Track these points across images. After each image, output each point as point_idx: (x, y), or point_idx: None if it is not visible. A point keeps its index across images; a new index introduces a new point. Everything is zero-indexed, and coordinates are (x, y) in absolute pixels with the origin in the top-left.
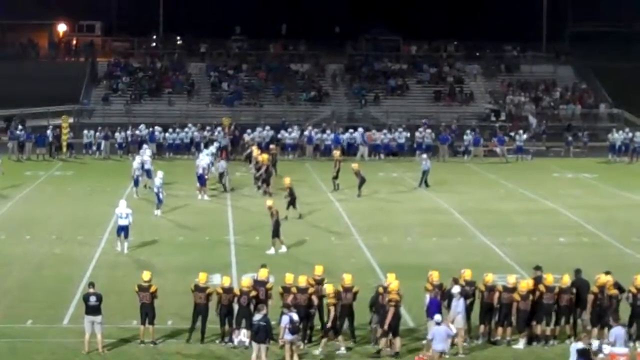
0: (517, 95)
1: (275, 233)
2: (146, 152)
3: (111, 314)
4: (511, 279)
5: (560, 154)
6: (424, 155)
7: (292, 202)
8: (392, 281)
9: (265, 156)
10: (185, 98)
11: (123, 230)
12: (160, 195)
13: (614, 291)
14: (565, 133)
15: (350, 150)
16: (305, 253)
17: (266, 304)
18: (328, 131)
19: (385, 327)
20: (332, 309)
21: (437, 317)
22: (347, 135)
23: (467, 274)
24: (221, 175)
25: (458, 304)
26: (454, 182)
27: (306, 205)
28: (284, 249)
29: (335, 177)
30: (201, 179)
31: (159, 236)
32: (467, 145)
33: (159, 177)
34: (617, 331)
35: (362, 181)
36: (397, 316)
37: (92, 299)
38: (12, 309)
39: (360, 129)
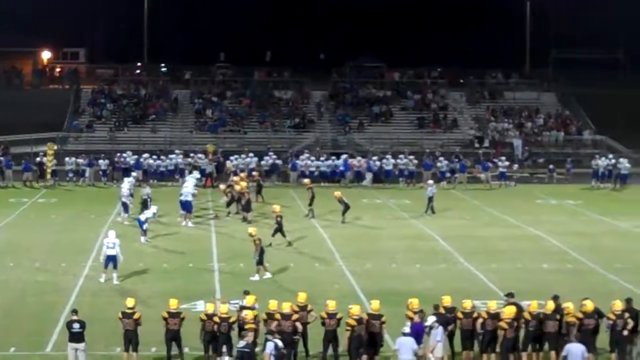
0: (500, 122)
1: (260, 261)
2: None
3: (95, 341)
4: (492, 305)
5: (544, 181)
6: (430, 181)
7: (279, 230)
8: (354, 306)
9: (244, 184)
10: (169, 125)
11: (111, 261)
12: (144, 226)
13: (572, 318)
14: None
15: (334, 176)
16: (289, 279)
17: (256, 330)
18: (312, 158)
19: (340, 349)
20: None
21: (405, 328)
22: (329, 162)
23: (446, 300)
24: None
25: (437, 333)
26: (438, 208)
27: (290, 231)
28: (268, 275)
29: (310, 204)
30: (185, 206)
31: (143, 263)
32: (445, 171)
33: (152, 211)
34: (573, 347)
35: (346, 208)
36: (357, 339)
37: (76, 326)
38: None
39: (344, 156)
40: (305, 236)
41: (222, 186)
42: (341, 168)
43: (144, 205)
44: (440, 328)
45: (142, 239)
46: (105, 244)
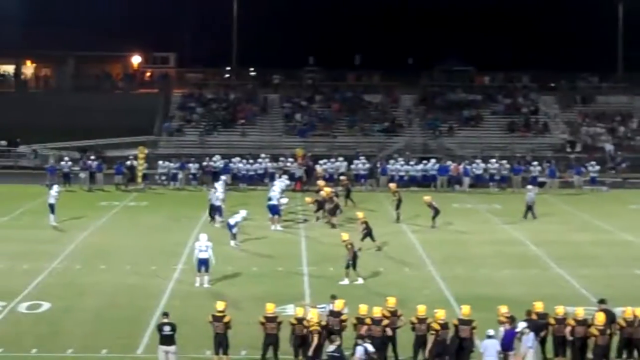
0: (592, 126)
1: (351, 265)
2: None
3: (185, 343)
4: (579, 312)
5: (638, 186)
6: (530, 187)
7: (368, 235)
8: (439, 311)
9: (328, 190)
10: (259, 129)
11: (203, 264)
12: (234, 230)
13: None
14: None
15: (425, 181)
16: (379, 284)
17: (340, 335)
18: (402, 162)
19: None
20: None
21: (490, 331)
22: (419, 166)
23: (538, 306)
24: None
25: (528, 339)
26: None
27: (380, 236)
28: (360, 280)
29: (397, 209)
30: (274, 210)
31: (233, 266)
32: (536, 176)
33: (241, 215)
34: None
35: (436, 212)
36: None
37: (166, 329)
38: (88, 339)
39: (433, 160)
40: (394, 241)
41: (307, 199)
42: (432, 172)
43: (213, 209)
44: (532, 334)
45: (232, 242)
46: (197, 247)
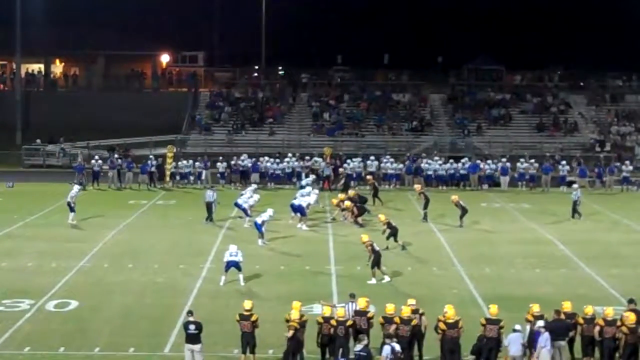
0: (622, 126)
1: (377, 265)
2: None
3: (213, 342)
4: (609, 312)
5: None
6: (575, 185)
7: (393, 235)
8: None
9: (348, 203)
10: (287, 128)
11: (233, 265)
12: (262, 228)
13: None
14: None
15: (453, 180)
16: (406, 283)
17: (368, 334)
18: (430, 161)
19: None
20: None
21: (517, 326)
22: (447, 165)
23: (566, 306)
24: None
25: (542, 339)
26: (557, 212)
27: (407, 235)
28: (387, 279)
29: (424, 208)
30: (299, 209)
31: (260, 265)
32: (565, 176)
33: (268, 214)
34: None
35: (464, 212)
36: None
37: (191, 327)
38: (115, 337)
39: (464, 159)
40: (422, 240)
41: (333, 200)
42: (461, 172)
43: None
44: (546, 334)
45: (260, 241)
46: (228, 253)
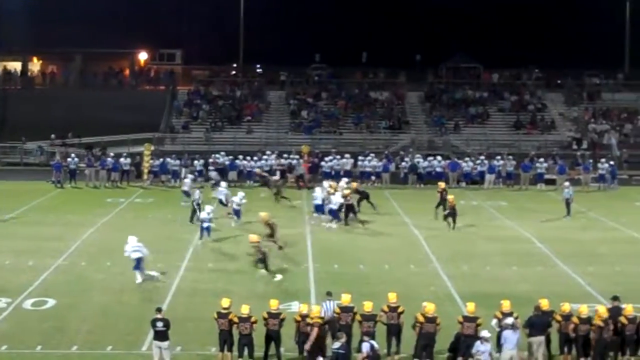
0: (599, 124)
1: (262, 262)
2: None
3: (190, 340)
4: (583, 309)
5: None
6: (567, 183)
7: (270, 235)
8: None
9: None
10: (265, 126)
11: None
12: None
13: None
14: None
15: (430, 177)
16: (384, 281)
17: (350, 331)
18: (406, 159)
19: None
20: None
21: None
22: (426, 163)
23: (543, 304)
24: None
25: (503, 336)
26: (535, 210)
27: (386, 233)
28: (278, 277)
29: (437, 207)
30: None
31: (238, 263)
32: (543, 173)
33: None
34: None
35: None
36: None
37: (159, 325)
38: (93, 335)
39: (439, 157)
40: (399, 237)
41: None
42: (437, 169)
43: (195, 211)
44: (508, 331)
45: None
46: (131, 248)
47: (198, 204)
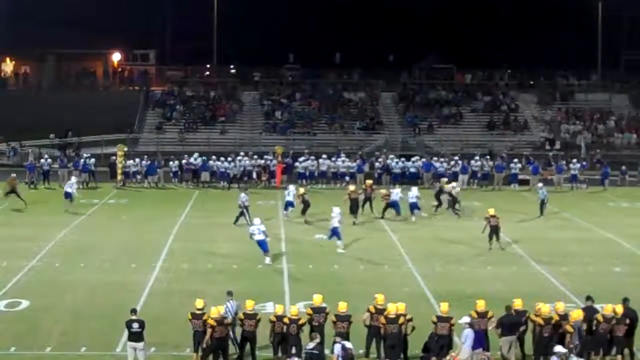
0: (571, 124)
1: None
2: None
3: (165, 341)
4: (559, 307)
5: (616, 183)
6: (540, 184)
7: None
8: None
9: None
10: (239, 127)
11: (260, 245)
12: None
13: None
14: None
15: (404, 178)
16: (358, 282)
17: (322, 332)
18: (380, 160)
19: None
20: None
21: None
22: (400, 163)
23: (517, 303)
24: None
25: (463, 335)
26: (509, 210)
27: (360, 234)
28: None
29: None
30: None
31: (213, 264)
32: (516, 174)
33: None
34: None
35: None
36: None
37: (135, 326)
38: (67, 336)
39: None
40: (374, 239)
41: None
42: (411, 170)
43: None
44: (468, 330)
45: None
46: (251, 231)
47: (246, 207)
